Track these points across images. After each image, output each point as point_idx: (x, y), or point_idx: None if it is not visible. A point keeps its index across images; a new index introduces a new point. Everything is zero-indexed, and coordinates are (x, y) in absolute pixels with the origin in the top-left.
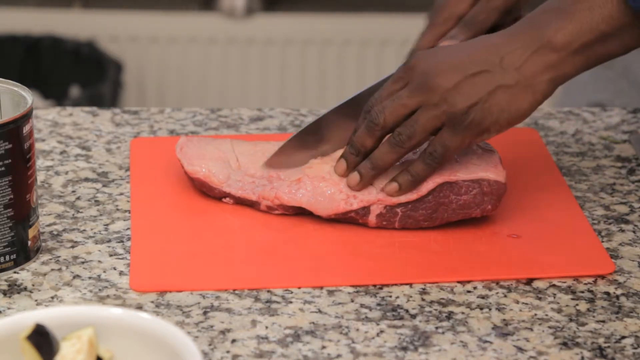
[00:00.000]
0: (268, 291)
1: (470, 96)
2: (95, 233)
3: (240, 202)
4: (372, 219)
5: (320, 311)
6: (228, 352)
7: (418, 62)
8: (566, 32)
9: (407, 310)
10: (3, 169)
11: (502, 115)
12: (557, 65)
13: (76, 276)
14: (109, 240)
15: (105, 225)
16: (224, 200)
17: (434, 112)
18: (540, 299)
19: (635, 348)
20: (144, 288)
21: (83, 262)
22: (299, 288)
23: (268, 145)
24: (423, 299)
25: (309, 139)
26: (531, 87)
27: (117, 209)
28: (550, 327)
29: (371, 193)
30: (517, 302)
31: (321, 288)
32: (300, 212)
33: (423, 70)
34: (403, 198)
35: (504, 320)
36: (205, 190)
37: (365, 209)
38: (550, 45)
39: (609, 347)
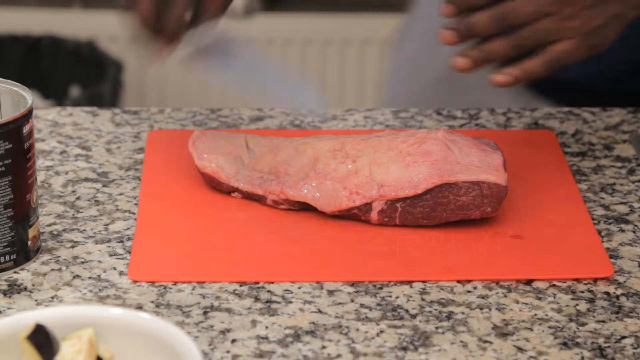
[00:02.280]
0: (268, 291)
1: (603, 18)
2: (95, 233)
3: (248, 196)
4: (374, 215)
5: (320, 311)
6: (228, 352)
7: None
8: None
9: (407, 310)
10: (3, 169)
11: (605, 44)
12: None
13: (76, 276)
14: (109, 240)
15: (105, 225)
16: (232, 194)
17: (567, 24)
18: (540, 299)
19: (635, 348)
20: (140, 278)
21: (83, 262)
22: (299, 288)
23: (283, 140)
24: (423, 299)
25: None
26: (620, 24)
27: (117, 209)
28: (550, 327)
29: (373, 189)
30: (517, 302)
31: (321, 288)
32: (305, 208)
33: None
34: (401, 194)
35: (504, 320)
36: (214, 185)
37: (368, 205)
38: None
39: (609, 347)
